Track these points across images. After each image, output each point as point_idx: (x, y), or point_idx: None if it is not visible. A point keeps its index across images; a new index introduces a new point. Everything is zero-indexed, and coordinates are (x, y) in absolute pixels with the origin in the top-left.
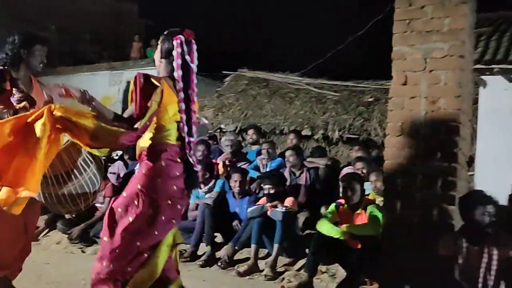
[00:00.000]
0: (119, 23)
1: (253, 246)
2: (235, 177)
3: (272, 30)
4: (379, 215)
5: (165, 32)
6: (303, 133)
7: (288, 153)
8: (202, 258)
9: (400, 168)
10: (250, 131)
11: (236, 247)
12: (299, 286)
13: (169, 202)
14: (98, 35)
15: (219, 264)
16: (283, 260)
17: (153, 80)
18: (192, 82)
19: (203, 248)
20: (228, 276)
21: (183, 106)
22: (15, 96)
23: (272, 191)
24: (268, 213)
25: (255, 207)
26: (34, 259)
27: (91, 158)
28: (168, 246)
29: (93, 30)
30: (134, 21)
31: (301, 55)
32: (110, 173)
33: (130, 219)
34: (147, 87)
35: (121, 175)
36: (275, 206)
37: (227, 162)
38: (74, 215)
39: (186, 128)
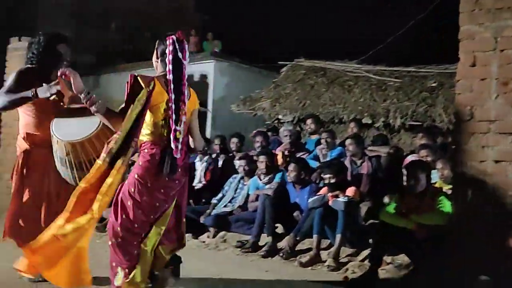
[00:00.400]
0: (176, 19)
1: (315, 236)
2: (291, 167)
3: (328, 18)
4: (447, 203)
5: (161, 36)
6: (363, 121)
7: (348, 142)
8: (264, 248)
9: (470, 155)
10: (309, 121)
11: (298, 238)
12: (363, 277)
13: (162, 191)
14: (157, 32)
15: (280, 254)
16: (346, 250)
17: (141, 82)
18: (184, 77)
19: (265, 239)
20: (290, 267)
21: (173, 96)
22: (48, 88)
23: (332, 181)
24: (330, 203)
25: (316, 197)
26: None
27: None
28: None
29: (152, 27)
30: (191, 16)
31: (360, 42)
32: None
33: (129, 203)
34: (135, 87)
35: None
36: (337, 196)
37: (286, 153)
38: None
39: (174, 116)
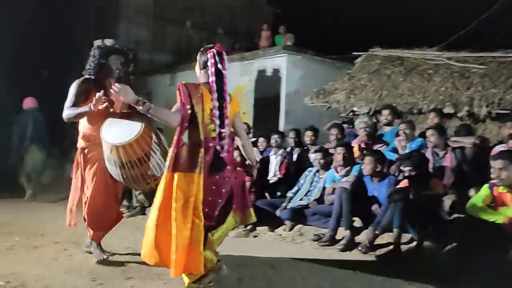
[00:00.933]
0: (249, 14)
1: (395, 230)
2: (366, 160)
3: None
4: None
5: (201, 49)
6: (445, 111)
7: (429, 132)
8: (342, 242)
9: None
10: (385, 112)
11: (377, 232)
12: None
13: (214, 187)
14: (231, 27)
15: (359, 248)
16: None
17: (189, 88)
18: (225, 84)
19: (342, 232)
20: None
21: (216, 103)
22: (97, 96)
23: (412, 173)
24: (410, 196)
25: (395, 190)
26: None
27: (157, 147)
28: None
29: (226, 23)
30: (263, 10)
31: (439, 28)
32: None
33: None
34: (187, 92)
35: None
36: (419, 190)
37: (362, 145)
38: None
39: (218, 121)
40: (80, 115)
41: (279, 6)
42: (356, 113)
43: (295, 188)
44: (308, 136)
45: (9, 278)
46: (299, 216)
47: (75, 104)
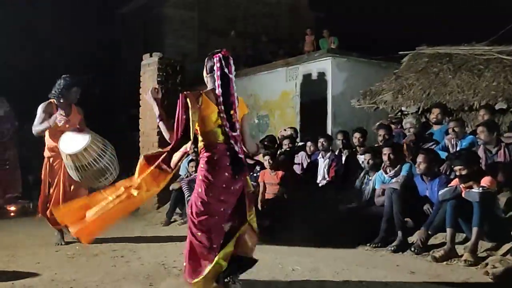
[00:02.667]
0: (292, 19)
1: (448, 230)
2: (420, 159)
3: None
4: None
5: (208, 54)
6: (497, 106)
7: (479, 129)
8: (394, 243)
9: None
10: (435, 110)
11: (429, 232)
12: (506, 272)
13: (224, 185)
14: (274, 34)
15: (412, 249)
16: (484, 244)
17: (189, 100)
18: (232, 88)
19: (394, 234)
20: (423, 262)
21: (222, 108)
22: (58, 117)
23: (464, 172)
24: (463, 194)
25: (447, 189)
26: None
27: (103, 153)
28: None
29: (269, 30)
30: (306, 15)
31: (488, 21)
32: (295, 164)
33: (198, 203)
34: (186, 105)
35: (305, 165)
36: (470, 187)
37: (411, 145)
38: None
39: (228, 123)
40: (44, 130)
41: (322, 10)
42: (405, 112)
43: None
44: (356, 138)
45: (72, 284)
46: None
47: (41, 122)
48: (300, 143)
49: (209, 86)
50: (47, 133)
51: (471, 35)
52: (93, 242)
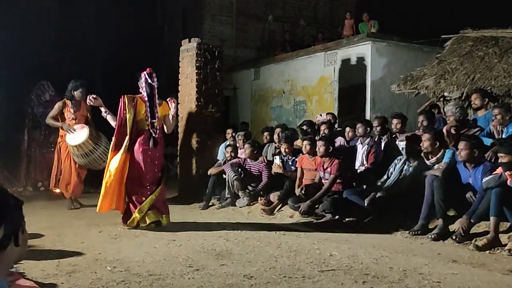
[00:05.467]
0: (331, 3)
1: (492, 218)
2: (462, 145)
3: None
4: None
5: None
6: None
7: None
8: (434, 231)
9: None
10: (473, 96)
11: (472, 220)
12: None
13: (149, 160)
14: (313, 18)
15: (453, 237)
16: None
17: (127, 100)
18: (154, 95)
19: (434, 221)
20: (464, 250)
21: (147, 104)
22: (68, 114)
23: (505, 160)
24: (508, 182)
25: (491, 176)
26: (275, 229)
27: (100, 143)
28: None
29: (308, 14)
30: None
31: None
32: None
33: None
34: (123, 103)
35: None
36: None
37: (452, 131)
38: (303, 193)
39: (149, 114)
40: (52, 125)
41: None
42: (447, 98)
43: (384, 177)
44: (394, 124)
45: (115, 264)
46: (388, 205)
47: (54, 115)
48: (339, 129)
49: (142, 93)
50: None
51: None
52: (134, 226)
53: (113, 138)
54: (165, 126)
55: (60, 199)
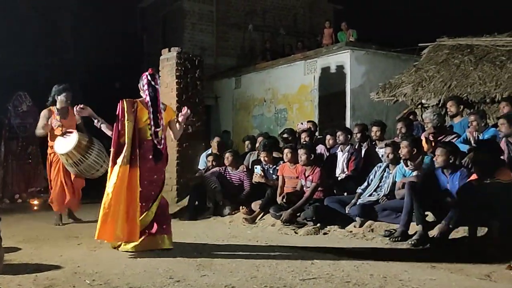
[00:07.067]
0: (310, 12)
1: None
2: (438, 152)
3: None
4: None
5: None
6: None
7: (500, 122)
8: (414, 237)
9: None
10: (449, 104)
11: (451, 226)
12: None
13: (146, 182)
14: (292, 27)
15: (432, 243)
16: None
17: (126, 105)
18: (158, 98)
19: (414, 227)
20: (443, 256)
21: (151, 109)
22: (53, 121)
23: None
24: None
25: (467, 182)
26: (257, 238)
27: (91, 150)
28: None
29: (288, 23)
30: (324, 8)
31: (510, 12)
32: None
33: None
34: (123, 108)
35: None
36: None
37: (430, 138)
38: (284, 201)
39: (153, 122)
40: (42, 134)
41: (340, 3)
42: (425, 105)
43: (365, 184)
44: (373, 131)
45: (94, 277)
46: (369, 212)
47: (43, 125)
48: (319, 137)
49: (143, 97)
50: (48, 134)
51: (493, 26)
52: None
53: (112, 150)
54: (171, 133)
55: (38, 211)
